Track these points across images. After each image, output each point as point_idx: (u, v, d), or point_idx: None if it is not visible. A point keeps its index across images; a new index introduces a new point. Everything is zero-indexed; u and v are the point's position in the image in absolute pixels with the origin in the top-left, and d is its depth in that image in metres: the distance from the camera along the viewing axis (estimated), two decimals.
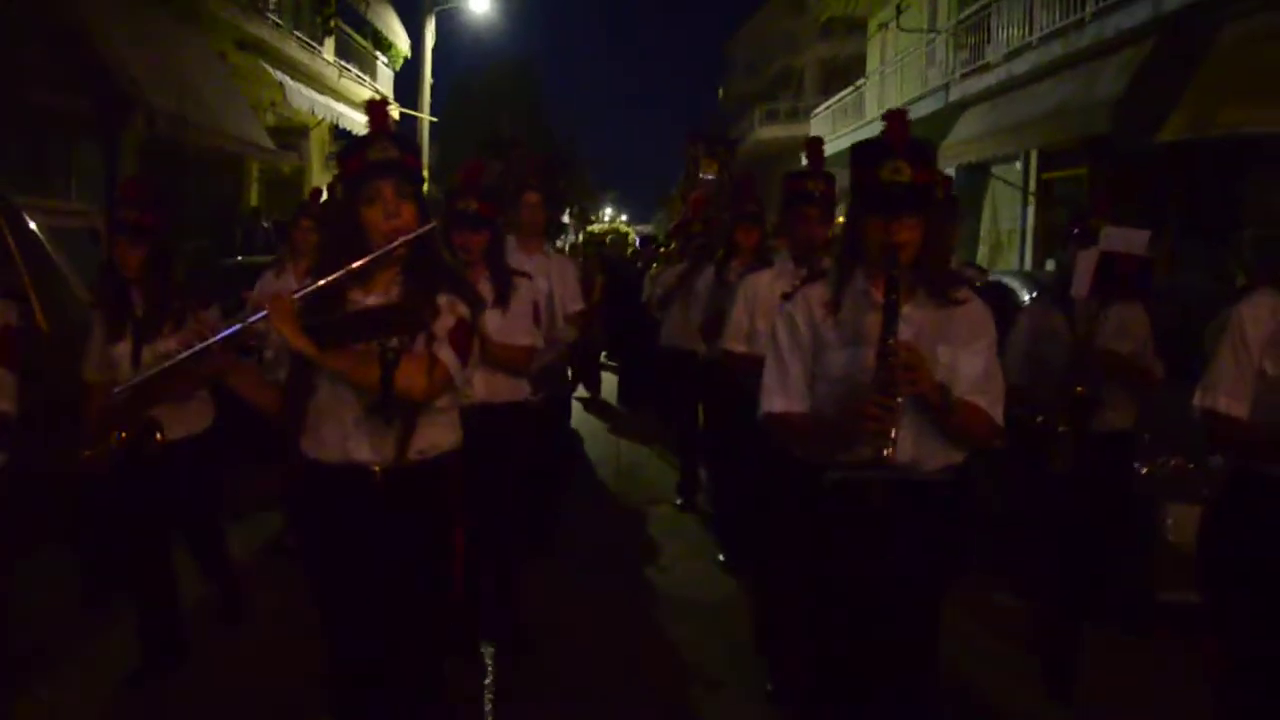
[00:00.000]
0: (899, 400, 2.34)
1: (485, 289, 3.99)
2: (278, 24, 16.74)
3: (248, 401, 2.68)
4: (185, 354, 2.45)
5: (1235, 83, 8.25)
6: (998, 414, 2.62)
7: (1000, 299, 5.26)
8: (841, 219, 3.61)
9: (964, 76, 15.37)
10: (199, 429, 3.91)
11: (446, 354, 2.58)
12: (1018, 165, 14.76)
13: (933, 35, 17.72)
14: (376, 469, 2.60)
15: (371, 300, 2.63)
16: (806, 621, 2.84)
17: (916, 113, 16.78)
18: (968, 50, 15.44)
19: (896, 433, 2.33)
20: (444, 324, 2.60)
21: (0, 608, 3.63)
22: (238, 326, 2.47)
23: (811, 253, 4.01)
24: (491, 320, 3.96)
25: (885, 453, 2.31)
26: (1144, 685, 4.11)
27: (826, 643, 2.75)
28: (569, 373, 7.58)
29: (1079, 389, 3.72)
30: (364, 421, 2.58)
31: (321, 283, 2.48)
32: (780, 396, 2.70)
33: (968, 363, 2.58)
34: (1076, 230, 4.04)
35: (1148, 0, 10.00)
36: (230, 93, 13.90)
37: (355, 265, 2.48)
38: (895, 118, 2.61)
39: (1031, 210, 14.50)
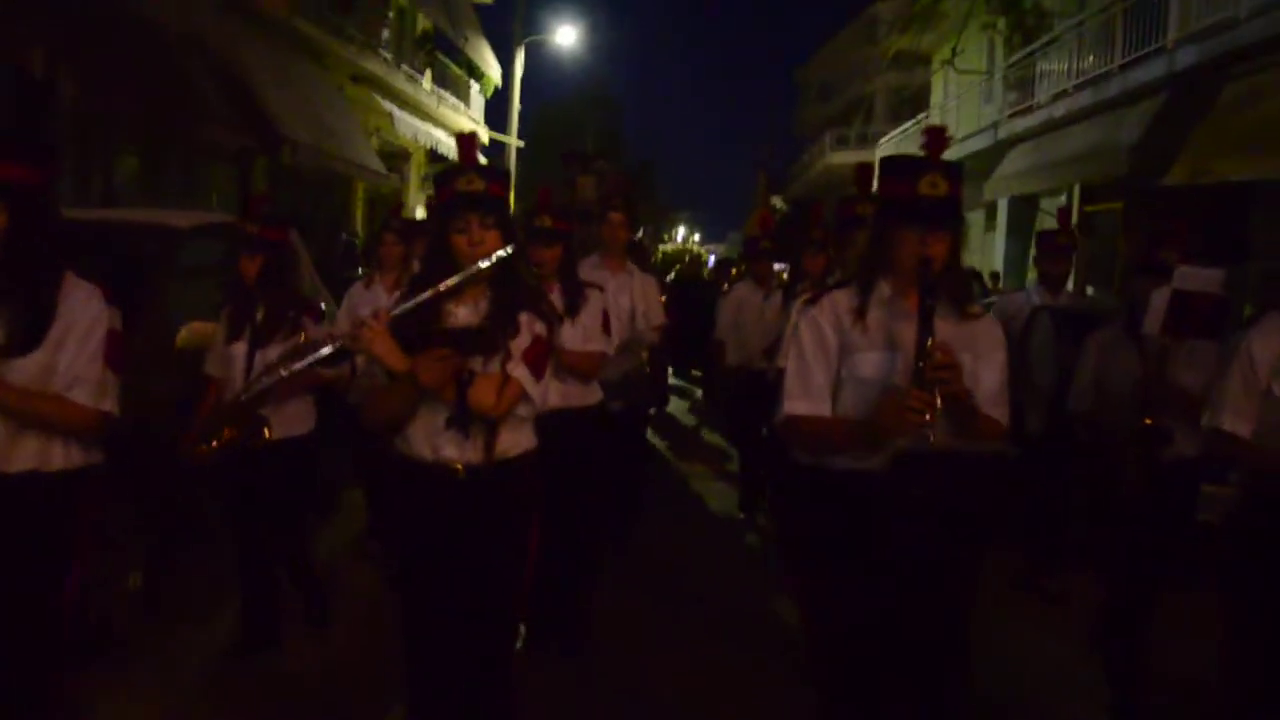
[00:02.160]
0: (938, 399, 2.41)
1: (557, 300, 4.14)
2: (386, 59, 18.59)
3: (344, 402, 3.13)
4: (289, 371, 2.88)
5: (1229, 137, 9.40)
6: (1006, 425, 2.75)
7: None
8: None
9: (1011, 116, 16.56)
10: (302, 431, 4.15)
11: (521, 372, 2.80)
12: (1063, 198, 15.89)
13: (986, 76, 18.91)
14: (460, 467, 2.82)
15: (462, 311, 2.86)
16: (836, 618, 2.84)
17: (971, 147, 18.07)
18: (1016, 92, 16.64)
19: (935, 426, 2.41)
20: (520, 342, 2.82)
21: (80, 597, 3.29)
22: (335, 346, 2.76)
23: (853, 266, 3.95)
24: (563, 329, 4.11)
25: (928, 441, 2.42)
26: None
27: (856, 639, 2.76)
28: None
29: (1147, 420, 3.76)
30: (446, 423, 2.80)
31: (412, 303, 2.71)
32: (803, 400, 2.74)
33: (986, 374, 2.68)
34: (1144, 262, 4.13)
35: (1164, 57, 11.21)
36: (348, 121, 15.63)
37: (443, 286, 2.71)
38: (935, 134, 2.68)
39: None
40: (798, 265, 5.59)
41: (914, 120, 25.42)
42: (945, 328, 2.55)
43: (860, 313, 2.70)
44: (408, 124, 18.62)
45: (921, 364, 2.43)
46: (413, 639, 2.95)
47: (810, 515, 2.88)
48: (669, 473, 8.56)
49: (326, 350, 2.75)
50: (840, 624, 2.79)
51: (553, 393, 4.06)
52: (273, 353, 3.84)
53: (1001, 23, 16.77)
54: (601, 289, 4.49)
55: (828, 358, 2.72)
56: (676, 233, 59.95)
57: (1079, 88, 13.71)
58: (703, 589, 5.45)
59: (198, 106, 9.83)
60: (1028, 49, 16.10)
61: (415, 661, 2.95)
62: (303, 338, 3.90)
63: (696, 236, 67.92)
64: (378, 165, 16.31)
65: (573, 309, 4.23)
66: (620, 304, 5.21)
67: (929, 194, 2.54)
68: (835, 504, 2.73)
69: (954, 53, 17.99)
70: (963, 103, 20.58)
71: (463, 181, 2.80)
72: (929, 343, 2.44)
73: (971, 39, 18.36)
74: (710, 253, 44.56)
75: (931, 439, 2.40)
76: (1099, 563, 4.38)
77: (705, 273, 18.68)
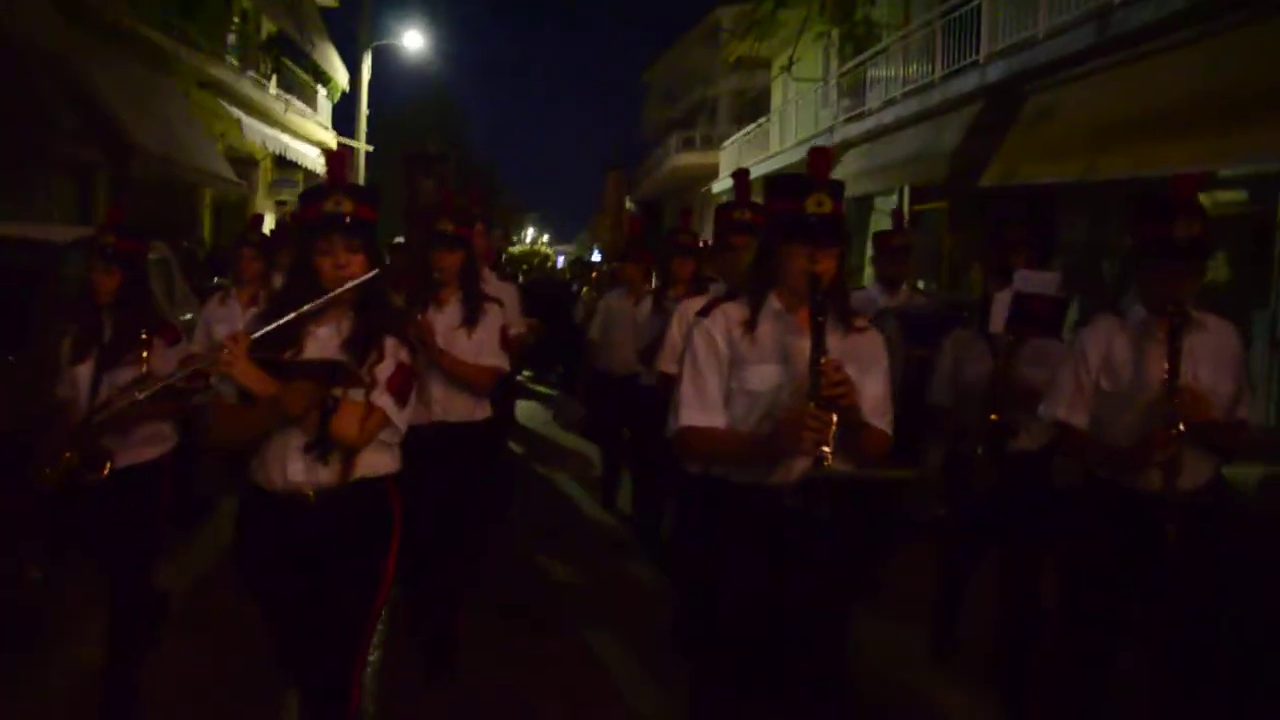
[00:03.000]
0: (833, 415, 2.45)
1: (457, 309, 4.19)
2: (232, 65, 18.33)
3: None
4: (143, 397, 2.79)
5: (1033, 144, 10.45)
6: (890, 435, 2.80)
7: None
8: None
9: (846, 121, 17.62)
10: (155, 454, 3.85)
11: (385, 400, 2.74)
12: (894, 198, 17.00)
13: (822, 83, 19.97)
14: (310, 493, 2.73)
15: (323, 332, 2.79)
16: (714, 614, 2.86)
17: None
18: (849, 98, 17.70)
19: (832, 442, 2.44)
20: (385, 369, 2.75)
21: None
22: (190, 369, 2.75)
23: (742, 279, 3.91)
24: (459, 340, 4.14)
25: (825, 461, 2.42)
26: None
27: (734, 634, 2.79)
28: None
29: (994, 415, 3.96)
30: (304, 449, 2.71)
31: (273, 325, 2.64)
32: (699, 411, 2.74)
33: (871, 385, 2.72)
34: (993, 265, 4.33)
35: (977, 71, 12.27)
36: (196, 129, 15.42)
37: (305, 309, 2.65)
38: (819, 154, 2.73)
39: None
40: (667, 269, 5.56)
41: (755, 124, 26.46)
42: (833, 341, 2.57)
43: (750, 325, 2.73)
44: (255, 130, 18.41)
45: (815, 380, 2.46)
46: (280, 647, 2.96)
47: (707, 523, 2.84)
48: (535, 478, 8.47)
49: (179, 375, 2.68)
50: (726, 611, 2.79)
51: (436, 404, 4.12)
52: (121, 375, 3.60)
53: (835, 33, 17.86)
54: (502, 303, 4.40)
55: (720, 369, 2.74)
56: (525, 234, 60.05)
57: (906, 95, 14.75)
58: (576, 597, 5.46)
59: (43, 119, 9.69)
60: (858, 59, 17.17)
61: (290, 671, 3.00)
62: (143, 367, 3.64)
63: (545, 237, 68.24)
64: (228, 172, 16.14)
65: (471, 320, 4.15)
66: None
67: (815, 212, 2.59)
68: (733, 513, 2.75)
69: (791, 62, 18.99)
70: (801, 107, 21.64)
71: (330, 203, 2.73)
72: (822, 360, 2.47)
73: (807, 47, 19.39)
74: (559, 253, 44.89)
75: (829, 457, 2.42)
76: (948, 546, 4.56)
77: (563, 272, 18.97)
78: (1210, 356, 3.16)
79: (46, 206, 12.77)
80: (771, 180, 2.79)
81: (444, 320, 4.15)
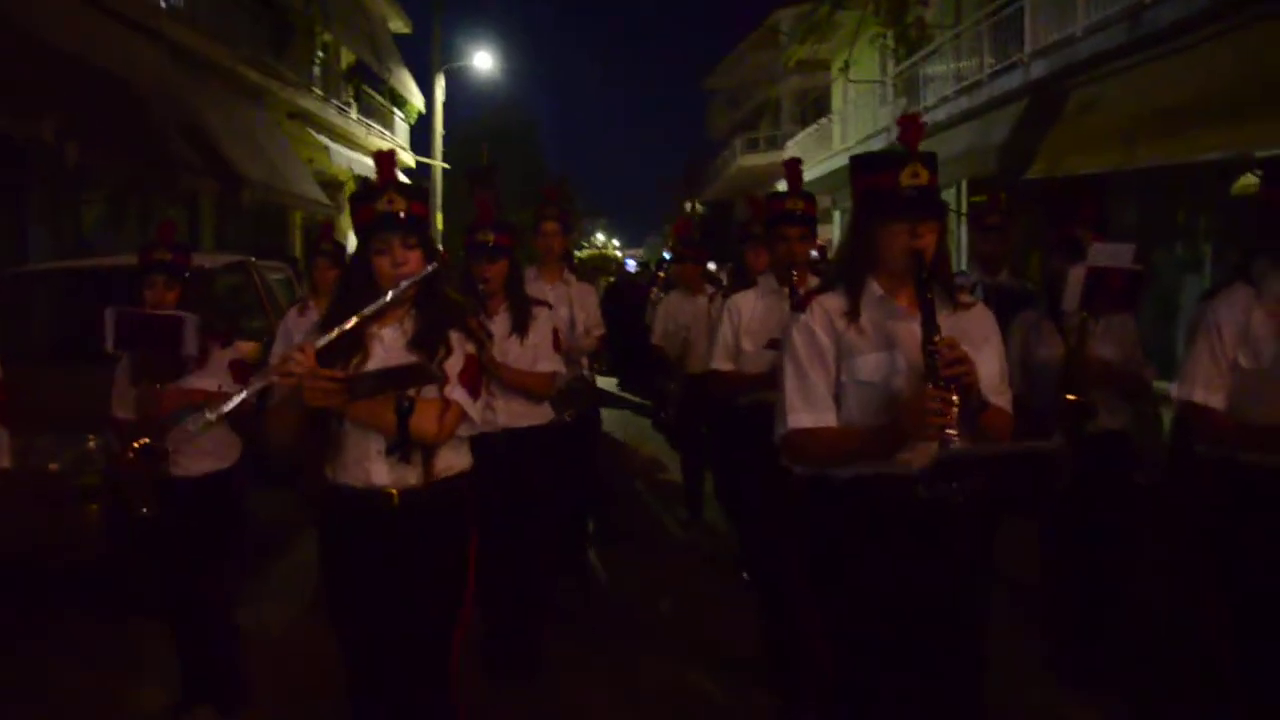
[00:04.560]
0: (954, 395, 2.31)
1: (506, 318, 4.19)
2: (318, 95, 19.59)
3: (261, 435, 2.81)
4: (214, 417, 2.48)
5: (1076, 137, 11.01)
6: (1011, 413, 2.64)
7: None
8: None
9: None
10: (218, 466, 3.84)
11: (459, 394, 2.72)
12: (951, 191, 17.53)
13: (879, 83, 20.57)
14: (395, 493, 2.73)
15: (386, 333, 2.76)
16: (838, 640, 2.65)
17: (869, 148, 19.66)
18: (905, 97, 18.29)
19: (957, 424, 2.30)
20: (455, 364, 2.74)
21: None
22: (264, 383, 2.58)
23: (793, 271, 3.95)
24: (511, 348, 4.15)
25: (952, 444, 2.28)
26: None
27: (861, 660, 2.59)
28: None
29: (1070, 396, 3.76)
30: (385, 451, 2.70)
31: (336, 331, 2.58)
32: (806, 411, 2.60)
33: (984, 363, 2.52)
34: (1060, 241, 4.10)
35: (1020, 69, 12.85)
36: (290, 156, 16.64)
37: (366, 311, 2.61)
38: (911, 123, 2.61)
39: (964, 229, 17.30)
40: (740, 263, 5.46)
41: (815, 124, 27.03)
42: (941, 319, 2.42)
43: (853, 314, 2.59)
44: (342, 155, 19.67)
45: (932, 360, 2.33)
46: (353, 674, 2.85)
47: (828, 529, 2.65)
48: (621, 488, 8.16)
49: (256, 388, 2.58)
50: (860, 647, 2.60)
51: (501, 413, 4.15)
52: (191, 384, 3.69)
53: (890, 34, 18.50)
54: (550, 306, 4.45)
55: (826, 365, 2.60)
56: (595, 238, 61.05)
57: (957, 94, 15.33)
58: (664, 611, 5.35)
59: (170, 157, 10.84)
60: (911, 59, 17.77)
61: (359, 697, 2.86)
62: (218, 385, 3.69)
63: (615, 241, 69.24)
64: (320, 195, 17.33)
65: (521, 327, 4.17)
66: (559, 315, 5.10)
67: (912, 184, 2.45)
68: (857, 511, 2.58)
69: (847, 65, 19.63)
70: (860, 107, 22.22)
71: (383, 201, 2.71)
72: (936, 338, 2.35)
73: (864, 49, 20.04)
74: (628, 258, 45.68)
75: (956, 439, 2.28)
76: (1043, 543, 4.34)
77: (639, 276, 19.49)
78: None
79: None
80: (857, 158, 2.64)
81: (495, 330, 4.16)
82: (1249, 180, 9.13)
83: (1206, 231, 10.16)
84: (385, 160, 2.90)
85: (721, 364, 4.17)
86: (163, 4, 13.02)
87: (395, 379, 2.63)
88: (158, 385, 3.61)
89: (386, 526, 2.75)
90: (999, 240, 5.28)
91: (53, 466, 4.30)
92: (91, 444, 4.45)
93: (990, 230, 5.28)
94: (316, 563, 2.92)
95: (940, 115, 15.98)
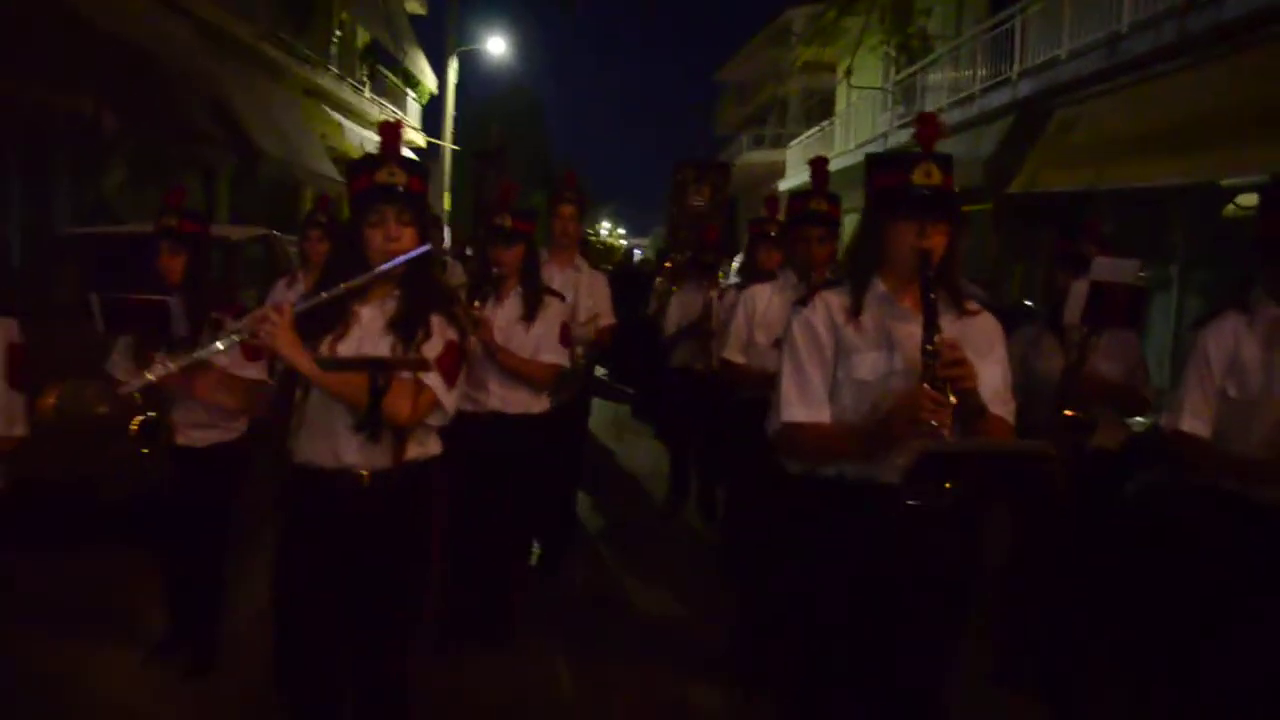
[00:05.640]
0: (951, 398, 2.28)
1: (517, 303, 4.17)
2: (334, 73, 20.13)
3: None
4: (175, 366, 2.50)
5: (1053, 155, 11.60)
6: (1012, 423, 2.58)
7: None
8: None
9: (899, 126, 18.77)
10: (210, 440, 3.81)
11: (434, 380, 2.63)
12: None
13: (881, 90, 21.13)
14: (365, 474, 2.66)
15: (366, 312, 2.69)
16: (811, 632, 2.67)
17: (869, 151, 20.21)
18: (903, 105, 18.86)
19: (951, 428, 2.28)
20: (433, 348, 2.64)
21: None
22: (231, 340, 2.49)
23: (813, 270, 3.94)
24: (516, 334, 4.12)
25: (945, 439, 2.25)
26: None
27: (831, 653, 2.60)
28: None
29: (1068, 411, 3.69)
30: (353, 428, 2.62)
31: (319, 299, 2.53)
32: (801, 406, 2.58)
33: (988, 373, 2.48)
34: (1063, 255, 4.01)
35: (1008, 87, 13.42)
36: (306, 132, 17.16)
37: (352, 284, 2.54)
38: (928, 121, 2.54)
39: None
40: (752, 260, 5.42)
41: (818, 126, 27.57)
42: (945, 324, 2.40)
43: (855, 311, 2.57)
44: (354, 132, 20.21)
45: (930, 361, 2.30)
46: (288, 647, 2.78)
47: (810, 525, 2.66)
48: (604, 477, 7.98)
49: (221, 345, 2.50)
50: (823, 638, 2.63)
51: (495, 396, 4.13)
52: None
53: (892, 42, 19.05)
54: (564, 298, 4.38)
55: (823, 360, 2.58)
56: (601, 226, 61.40)
57: (951, 105, 15.90)
58: (640, 598, 5.29)
59: (193, 128, 11.41)
60: (910, 68, 18.33)
61: (297, 674, 2.79)
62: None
63: (621, 230, 69.57)
64: (333, 171, 17.84)
65: (530, 314, 4.13)
66: (570, 306, 5.04)
67: (924, 183, 2.42)
68: (842, 513, 2.56)
69: (848, 71, 20.18)
70: (861, 111, 22.78)
71: (383, 173, 2.63)
72: (935, 339, 2.32)
73: (867, 56, 20.58)
74: (634, 247, 46.07)
75: (948, 438, 2.26)
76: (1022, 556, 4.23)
77: (644, 263, 19.78)
78: None
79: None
80: (872, 155, 2.66)
81: (503, 314, 4.16)
82: (1246, 201, 9.68)
83: (1176, 251, 10.74)
84: (390, 131, 2.81)
85: (734, 355, 4.19)
86: None
87: (375, 365, 2.56)
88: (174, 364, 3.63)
89: (354, 506, 2.69)
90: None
91: (101, 410, 4.78)
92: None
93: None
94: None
95: None
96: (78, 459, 4.92)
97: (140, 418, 3.48)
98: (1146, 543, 4.35)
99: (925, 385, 2.30)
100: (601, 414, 10.05)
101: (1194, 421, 3.00)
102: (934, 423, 2.27)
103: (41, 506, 4.71)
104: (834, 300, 2.63)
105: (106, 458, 4.64)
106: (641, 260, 23.26)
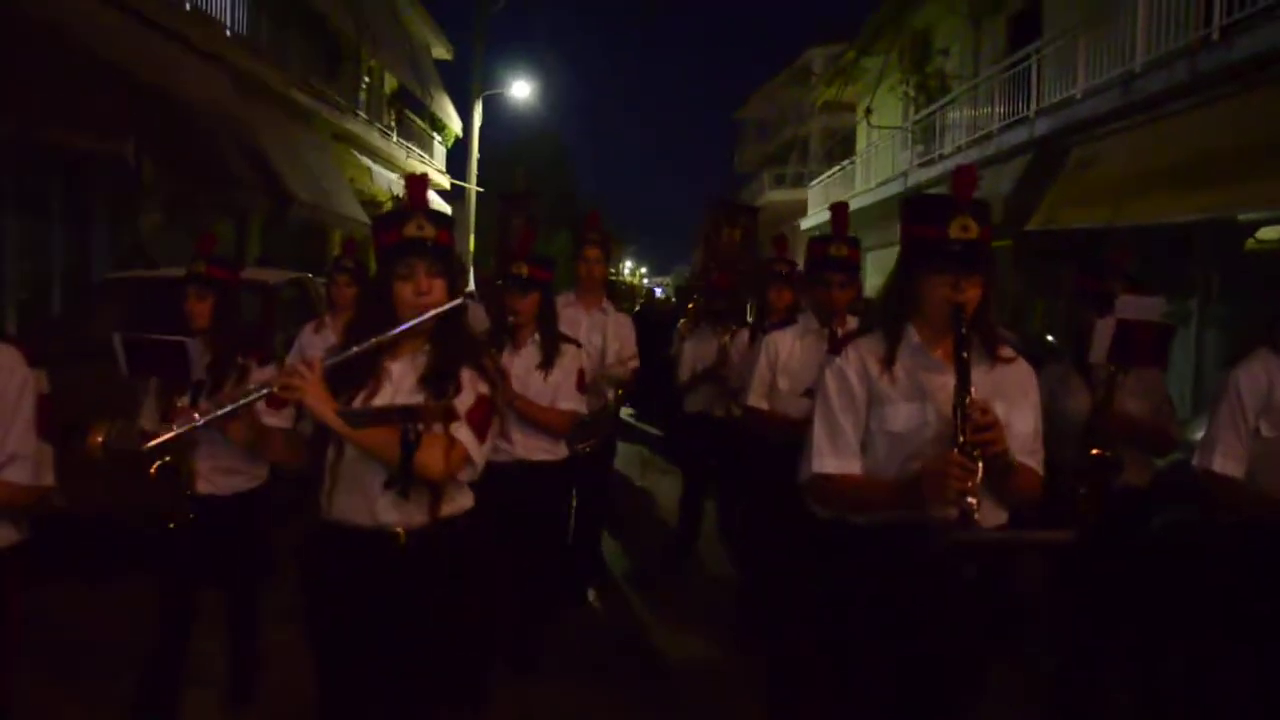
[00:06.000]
0: (979, 459, 2.26)
1: (534, 351, 4.19)
2: (363, 118, 20.58)
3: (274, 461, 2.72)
4: (213, 415, 2.49)
5: (1071, 193, 11.74)
6: (1041, 474, 2.57)
7: None
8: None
9: (920, 165, 18.98)
10: (244, 487, 3.78)
11: (465, 435, 2.61)
12: None
13: (901, 129, 21.36)
14: (401, 531, 2.63)
15: (396, 367, 2.67)
16: (841, 688, 2.66)
17: (887, 192, 20.43)
18: (922, 145, 19.07)
19: (978, 491, 2.25)
20: (464, 402, 2.62)
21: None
22: (263, 393, 2.49)
23: (834, 316, 3.95)
24: (534, 382, 4.14)
25: (971, 513, 2.22)
26: None
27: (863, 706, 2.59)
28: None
29: (1095, 450, 3.68)
30: (385, 484, 2.59)
31: (348, 354, 2.53)
32: (832, 457, 2.58)
33: (1019, 421, 2.50)
34: (1088, 292, 3.99)
35: (1026, 125, 13.60)
36: (335, 176, 17.55)
37: (384, 337, 2.53)
38: (964, 174, 2.51)
39: None
40: (764, 300, 5.42)
41: (839, 166, 27.82)
42: (977, 375, 2.40)
43: (888, 361, 2.56)
44: (382, 176, 20.62)
45: (961, 425, 2.29)
46: (338, 711, 2.76)
47: (845, 572, 2.65)
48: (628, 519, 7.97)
49: (251, 397, 2.50)
50: (863, 689, 2.62)
51: (518, 444, 4.13)
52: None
53: (911, 82, 19.29)
54: (579, 344, 4.37)
55: (856, 411, 2.58)
56: (624, 266, 61.81)
57: (970, 145, 16.09)
58: (668, 640, 5.23)
59: (228, 174, 11.75)
60: (930, 108, 18.55)
61: None
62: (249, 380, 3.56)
63: (643, 269, 70.16)
64: (361, 215, 18.19)
65: (548, 362, 4.15)
66: (592, 343, 5.12)
67: (960, 237, 2.40)
68: (874, 559, 2.55)
69: (869, 111, 20.43)
70: (881, 151, 23.01)
71: (412, 226, 2.62)
72: (967, 400, 2.31)
73: (886, 96, 20.84)
74: (655, 286, 46.33)
75: (976, 508, 2.22)
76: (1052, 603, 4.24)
77: (663, 301, 19.93)
78: None
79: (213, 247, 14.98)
80: (909, 202, 2.63)
81: (520, 362, 4.19)
82: (1267, 236, 9.77)
83: (1196, 286, 10.81)
84: (417, 185, 2.81)
85: (758, 401, 4.16)
86: (228, 32, 13.98)
87: (404, 416, 2.50)
88: (187, 404, 3.50)
89: (391, 566, 2.65)
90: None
91: (146, 446, 4.93)
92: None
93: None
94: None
95: (953, 164, 16.74)
96: (120, 493, 5.01)
97: (158, 463, 3.40)
98: (1171, 570, 4.36)
99: (955, 451, 2.29)
100: (625, 452, 9.97)
101: (1227, 462, 2.98)
102: (962, 488, 2.25)
103: (80, 541, 4.79)
104: (867, 349, 2.62)
105: (152, 492, 4.52)
106: (662, 299, 23.40)
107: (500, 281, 4.49)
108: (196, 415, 2.52)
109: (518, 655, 4.44)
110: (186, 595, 3.71)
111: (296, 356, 5.23)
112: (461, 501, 2.79)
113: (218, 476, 3.72)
